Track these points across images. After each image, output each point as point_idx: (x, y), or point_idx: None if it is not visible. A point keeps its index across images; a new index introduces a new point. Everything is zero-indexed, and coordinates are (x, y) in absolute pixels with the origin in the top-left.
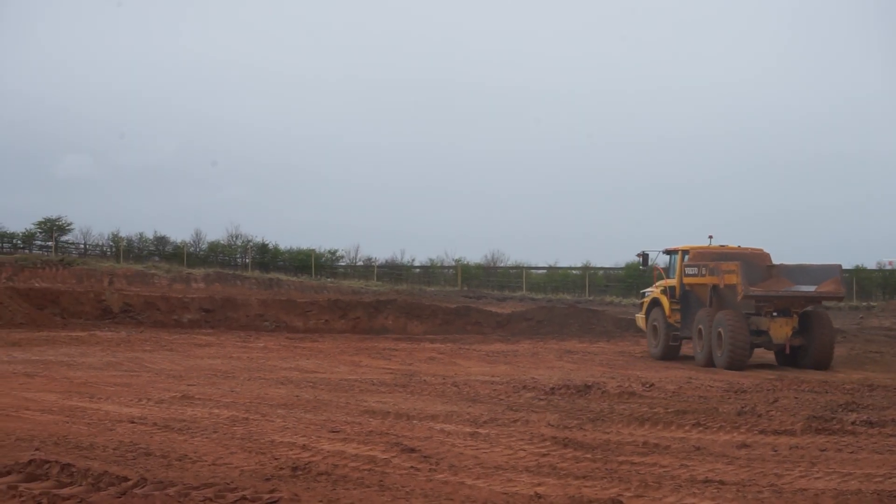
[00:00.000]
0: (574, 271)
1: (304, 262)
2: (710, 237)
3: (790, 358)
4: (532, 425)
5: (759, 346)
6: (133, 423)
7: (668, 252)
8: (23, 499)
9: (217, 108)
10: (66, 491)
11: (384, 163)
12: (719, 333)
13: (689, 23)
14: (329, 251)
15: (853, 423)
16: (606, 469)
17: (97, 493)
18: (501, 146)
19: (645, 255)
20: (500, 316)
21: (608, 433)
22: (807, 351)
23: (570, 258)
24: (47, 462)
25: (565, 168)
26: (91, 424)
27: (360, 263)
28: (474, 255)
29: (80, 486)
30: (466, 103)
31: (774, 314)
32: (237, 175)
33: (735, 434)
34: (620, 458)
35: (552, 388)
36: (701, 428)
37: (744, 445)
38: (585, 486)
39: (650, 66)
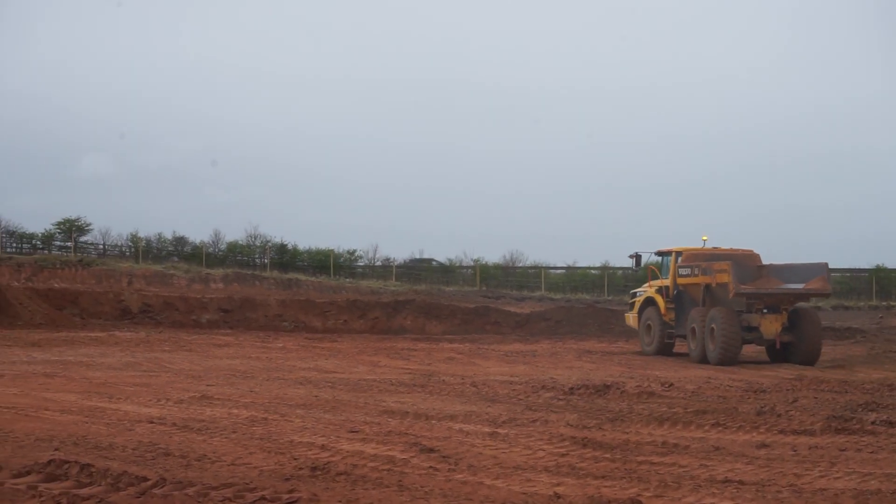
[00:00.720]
0: (593, 271)
1: (323, 263)
2: (704, 239)
3: (780, 353)
4: (551, 425)
5: (750, 341)
6: (152, 423)
7: (660, 253)
8: (42, 499)
9: (231, 109)
10: (85, 491)
11: (401, 163)
12: (712, 329)
13: (688, 22)
14: (348, 251)
15: (873, 422)
16: (625, 469)
17: (116, 493)
18: (516, 146)
19: (638, 256)
20: (518, 316)
21: (627, 433)
22: (796, 347)
23: (588, 258)
24: (67, 462)
25: (577, 168)
26: (110, 425)
27: (379, 263)
28: (493, 255)
29: (100, 486)
30: (475, 103)
31: (765, 311)
32: (255, 175)
33: (754, 434)
34: (639, 458)
35: (571, 388)
36: (720, 428)
37: (763, 445)
38: (604, 486)
39: (651, 64)
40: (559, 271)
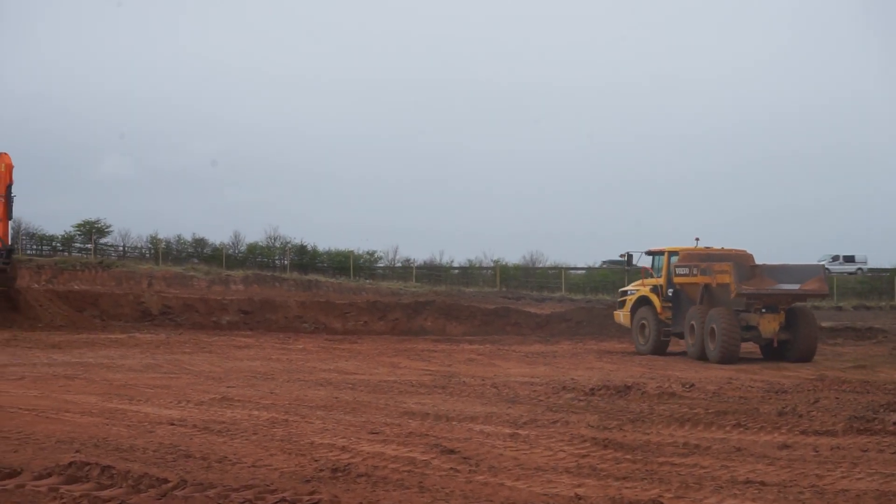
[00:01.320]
0: (613, 272)
1: (343, 264)
2: (697, 239)
3: (777, 351)
4: (572, 426)
5: (748, 340)
6: (173, 425)
7: (650, 253)
8: (63, 500)
9: (244, 110)
10: (106, 493)
11: (402, 164)
12: (712, 329)
13: (688, 22)
14: (367, 252)
15: (895, 423)
16: (647, 470)
17: (137, 495)
18: (516, 146)
19: (629, 256)
20: (539, 317)
21: (648, 434)
22: (792, 345)
23: (609, 258)
24: (88, 464)
25: (584, 168)
26: (131, 426)
27: (399, 265)
28: (513, 256)
29: (121, 487)
30: (475, 103)
31: (763, 311)
32: (274, 177)
33: (776, 435)
34: (661, 459)
35: (592, 389)
36: (741, 428)
37: (785, 446)
38: (626, 488)
39: (651, 64)
40: (579, 272)
